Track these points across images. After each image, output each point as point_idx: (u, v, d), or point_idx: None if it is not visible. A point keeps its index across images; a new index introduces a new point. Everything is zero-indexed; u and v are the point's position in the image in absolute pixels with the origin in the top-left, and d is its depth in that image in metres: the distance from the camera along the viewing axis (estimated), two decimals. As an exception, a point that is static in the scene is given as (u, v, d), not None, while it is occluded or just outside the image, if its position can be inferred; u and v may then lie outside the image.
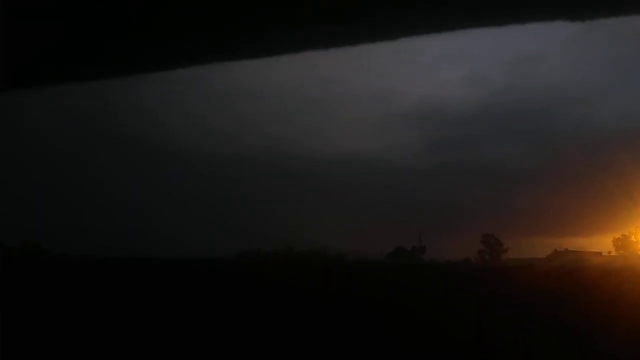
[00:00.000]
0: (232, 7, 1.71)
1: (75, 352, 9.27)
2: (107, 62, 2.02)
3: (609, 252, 55.28)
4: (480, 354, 9.37)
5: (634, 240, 55.96)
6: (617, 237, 56.82)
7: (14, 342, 8.17)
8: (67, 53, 1.92)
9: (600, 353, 8.63)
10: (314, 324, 11.46)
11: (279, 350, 9.95)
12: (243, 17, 1.72)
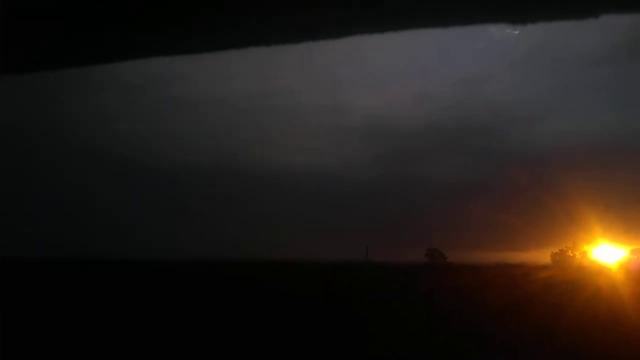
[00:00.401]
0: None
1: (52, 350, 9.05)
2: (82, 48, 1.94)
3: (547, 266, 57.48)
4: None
5: (571, 254, 58.59)
6: (554, 251, 59.05)
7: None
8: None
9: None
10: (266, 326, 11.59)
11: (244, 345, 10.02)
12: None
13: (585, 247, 54.34)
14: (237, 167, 71.54)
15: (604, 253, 56.99)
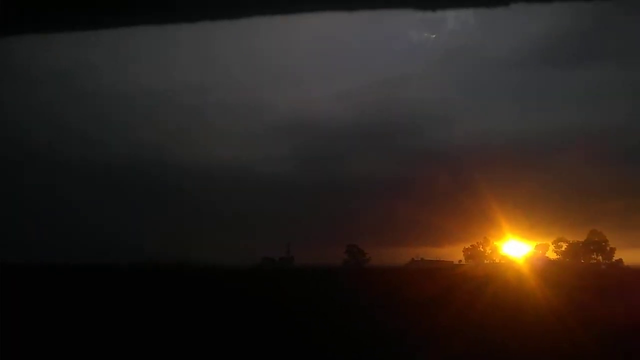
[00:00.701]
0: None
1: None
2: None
3: (460, 260, 59.74)
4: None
5: (482, 250, 61.31)
6: (467, 247, 61.58)
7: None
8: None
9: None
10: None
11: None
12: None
13: (495, 243, 57.58)
14: (151, 164, 68.93)
15: (512, 248, 60.67)
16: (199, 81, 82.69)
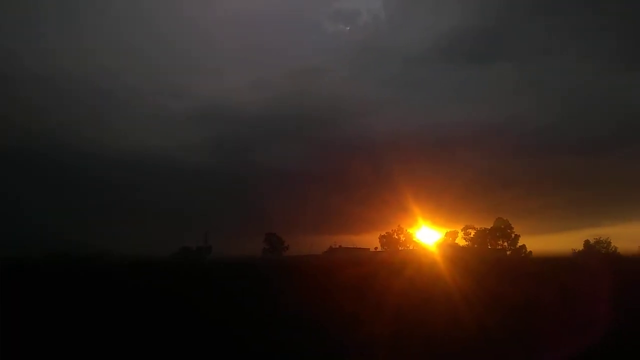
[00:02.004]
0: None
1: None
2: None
3: (376, 248, 61.42)
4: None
5: (396, 237, 63.50)
6: (382, 234, 63.51)
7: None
8: None
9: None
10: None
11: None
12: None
13: (409, 230, 59.85)
14: (61, 150, 64.68)
15: (425, 235, 63.37)
16: (113, 65, 78.45)
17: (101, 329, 10.30)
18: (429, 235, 63.97)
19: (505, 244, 57.45)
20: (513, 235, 57.06)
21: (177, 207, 67.14)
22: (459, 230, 59.29)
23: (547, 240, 73.72)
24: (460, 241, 59.03)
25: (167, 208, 67.41)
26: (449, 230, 59.95)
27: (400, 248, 56.97)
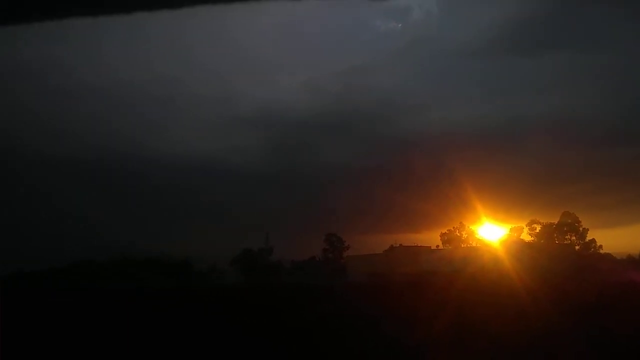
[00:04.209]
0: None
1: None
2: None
3: (437, 246, 59.84)
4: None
5: (458, 234, 61.68)
6: (443, 232, 61.76)
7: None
8: None
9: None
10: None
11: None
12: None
13: (471, 227, 58.28)
14: (124, 157, 67.74)
15: (488, 232, 61.56)
16: (169, 73, 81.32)
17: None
18: (492, 231, 62.07)
19: (574, 238, 54.92)
20: (581, 229, 54.51)
21: (238, 210, 68.72)
22: (524, 226, 57.25)
23: (619, 233, 69.72)
24: (526, 237, 57.00)
25: (224, 211, 69.11)
26: (513, 225, 57.97)
27: (462, 245, 55.66)
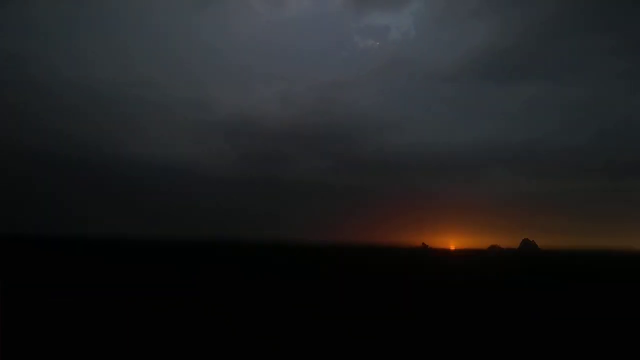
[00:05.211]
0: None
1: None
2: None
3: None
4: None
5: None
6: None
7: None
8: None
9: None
10: None
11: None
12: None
13: (433, 249, 59.84)
14: (96, 155, 67.20)
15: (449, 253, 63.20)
16: (149, 75, 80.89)
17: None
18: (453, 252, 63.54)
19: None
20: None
21: (201, 216, 68.67)
22: (486, 249, 58.71)
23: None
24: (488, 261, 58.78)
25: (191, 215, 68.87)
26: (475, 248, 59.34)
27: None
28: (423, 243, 64.24)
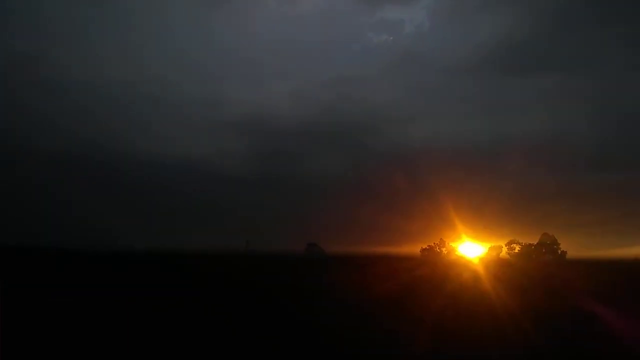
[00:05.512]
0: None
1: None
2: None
3: (418, 261, 59.91)
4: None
5: (438, 251, 62.31)
6: (423, 247, 62.34)
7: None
8: None
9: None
10: None
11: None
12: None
13: (451, 244, 58.95)
14: (109, 155, 67.39)
15: (467, 249, 62.21)
16: (161, 74, 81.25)
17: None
18: (471, 249, 62.79)
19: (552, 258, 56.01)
20: (560, 252, 55.58)
21: (218, 215, 68.61)
22: (503, 245, 58.12)
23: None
24: (504, 256, 57.84)
25: (206, 215, 69.01)
26: (492, 244, 58.82)
27: (443, 261, 56.16)
28: (441, 239, 63.39)
